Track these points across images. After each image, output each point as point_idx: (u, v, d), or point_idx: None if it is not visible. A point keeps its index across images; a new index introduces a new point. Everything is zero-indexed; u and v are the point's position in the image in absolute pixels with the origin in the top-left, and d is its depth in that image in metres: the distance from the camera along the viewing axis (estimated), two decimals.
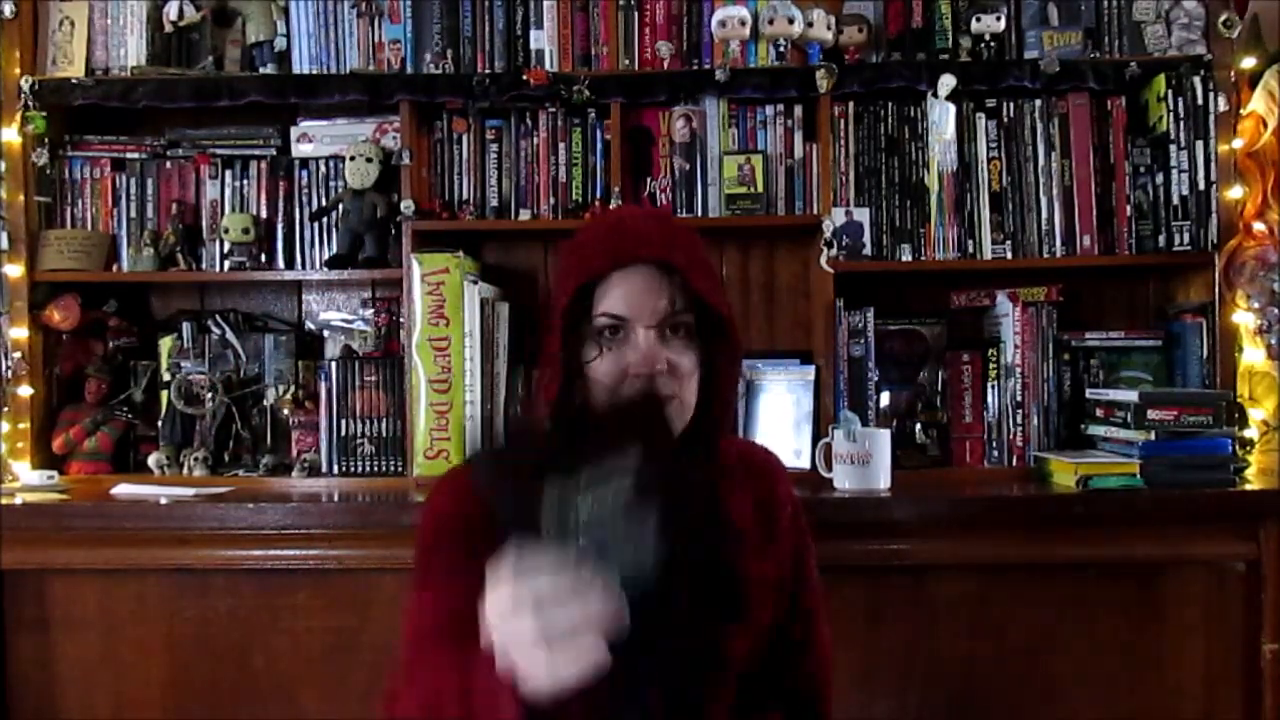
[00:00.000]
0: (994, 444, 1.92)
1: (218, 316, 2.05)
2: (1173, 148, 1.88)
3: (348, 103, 1.96)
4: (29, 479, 1.88)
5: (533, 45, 1.96)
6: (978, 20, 1.92)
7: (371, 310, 2.08)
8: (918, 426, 1.93)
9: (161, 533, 1.64)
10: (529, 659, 0.63)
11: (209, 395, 1.97)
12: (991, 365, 1.92)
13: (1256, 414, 1.87)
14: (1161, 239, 1.90)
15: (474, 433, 1.85)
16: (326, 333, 2.11)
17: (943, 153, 1.92)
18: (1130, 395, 1.69)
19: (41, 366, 1.97)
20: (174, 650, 1.64)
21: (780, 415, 1.93)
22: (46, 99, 1.94)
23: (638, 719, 0.83)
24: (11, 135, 1.95)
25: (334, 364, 1.97)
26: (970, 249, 1.93)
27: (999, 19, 1.92)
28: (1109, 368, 1.94)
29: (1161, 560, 1.61)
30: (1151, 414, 1.66)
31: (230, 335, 2.02)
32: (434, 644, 0.83)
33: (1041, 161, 1.93)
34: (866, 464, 1.70)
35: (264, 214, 2.03)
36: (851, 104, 1.94)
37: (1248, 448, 1.82)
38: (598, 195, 1.96)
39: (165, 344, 2.01)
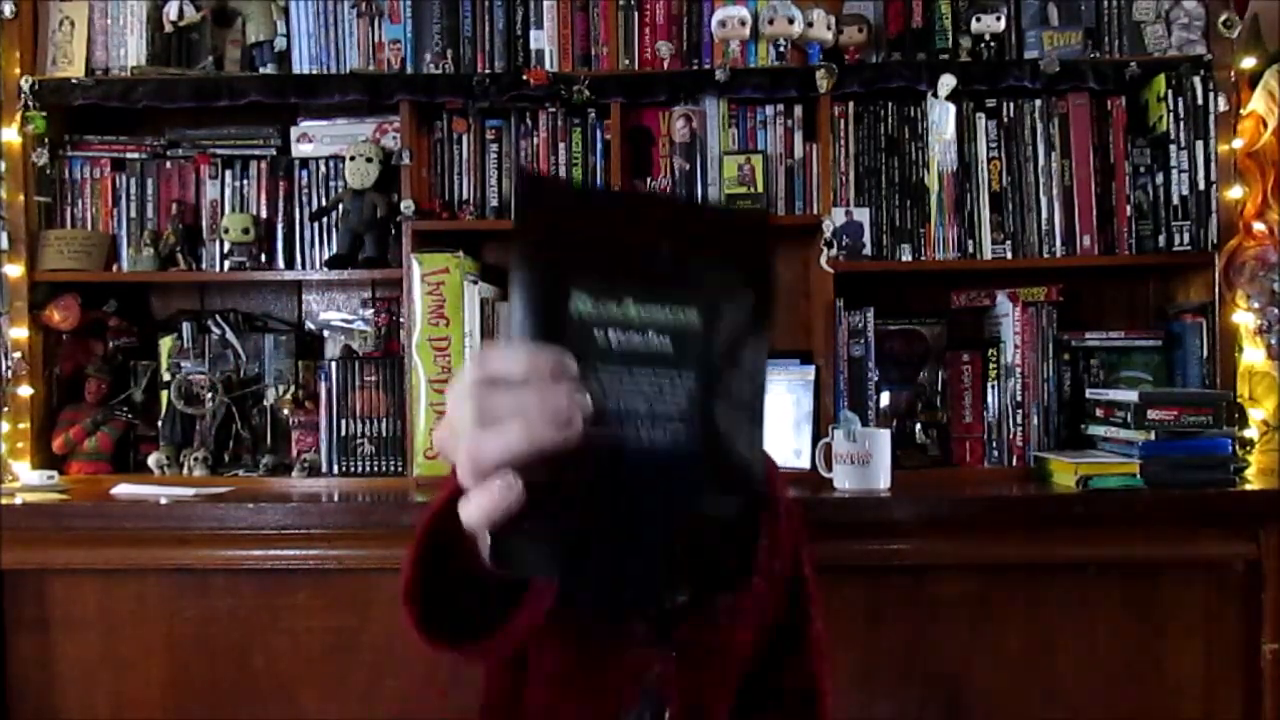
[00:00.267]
0: (994, 444, 1.92)
1: (218, 316, 2.05)
2: (1173, 148, 1.88)
3: (348, 103, 1.95)
4: (29, 479, 1.88)
5: (533, 45, 1.96)
6: (978, 20, 1.92)
7: (371, 310, 2.08)
8: (918, 426, 1.93)
9: (161, 533, 1.63)
10: (459, 445, 0.52)
11: (209, 395, 1.97)
12: (991, 365, 1.92)
13: (1256, 414, 1.86)
14: (1161, 239, 1.90)
15: None
16: (326, 333, 2.11)
17: (943, 153, 1.92)
18: (1130, 395, 1.69)
19: (41, 366, 1.97)
20: (174, 650, 1.64)
21: (780, 415, 1.93)
22: (46, 99, 1.94)
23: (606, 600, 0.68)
24: (11, 135, 1.95)
25: (334, 364, 1.97)
26: (970, 249, 1.93)
27: (999, 19, 1.92)
28: (1109, 368, 1.94)
29: (1161, 560, 1.61)
30: (1151, 414, 1.66)
31: (230, 335, 2.02)
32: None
33: (1041, 161, 1.93)
34: (866, 464, 1.70)
35: (264, 214, 2.03)
36: (851, 104, 1.94)
37: (1248, 448, 1.82)
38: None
39: (165, 344, 2.01)
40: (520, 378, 0.51)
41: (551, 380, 0.51)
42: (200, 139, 2.04)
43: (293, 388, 1.99)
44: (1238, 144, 1.88)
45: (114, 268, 2.01)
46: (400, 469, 1.92)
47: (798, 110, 1.96)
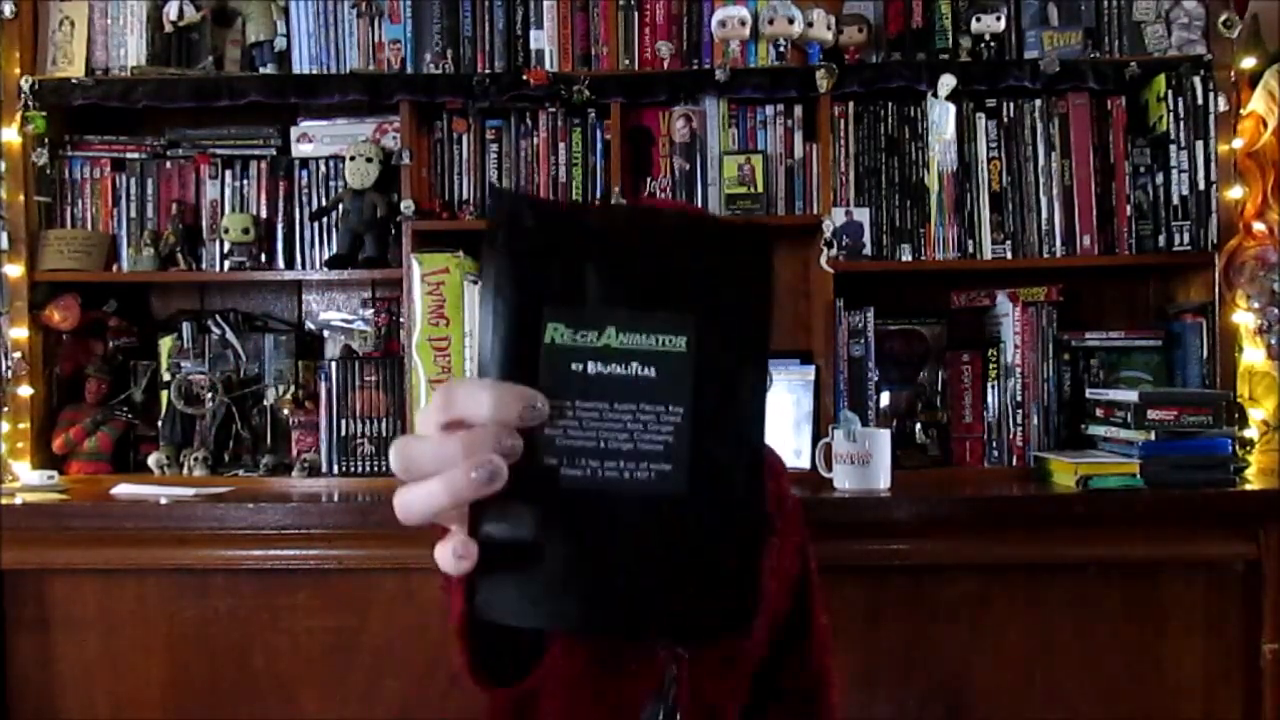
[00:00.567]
0: (994, 444, 1.92)
1: (218, 316, 2.05)
2: (1173, 148, 1.88)
3: (348, 103, 1.95)
4: (29, 479, 1.88)
5: (533, 45, 1.96)
6: (978, 20, 1.92)
7: (371, 310, 2.08)
8: (918, 426, 1.93)
9: (161, 533, 1.64)
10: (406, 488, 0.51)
11: (209, 395, 1.97)
12: (991, 365, 1.92)
13: (1256, 414, 1.86)
14: (1161, 239, 1.90)
15: None
16: (326, 333, 2.11)
17: (943, 153, 1.92)
18: (1130, 395, 1.69)
19: (41, 366, 1.97)
20: (174, 650, 1.64)
21: (780, 415, 1.93)
22: (46, 99, 1.94)
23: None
24: (11, 135, 1.95)
25: (334, 364, 1.97)
26: (970, 249, 1.93)
27: (999, 19, 1.92)
28: (1109, 368, 1.94)
29: (1161, 560, 1.61)
30: (1151, 414, 1.66)
31: (230, 335, 2.02)
32: None
33: (1041, 161, 1.93)
34: (866, 464, 1.70)
35: (264, 214, 2.03)
36: (851, 104, 1.94)
37: (1248, 448, 1.82)
38: (598, 195, 1.96)
39: (165, 344, 2.01)
40: (486, 419, 0.48)
41: (518, 421, 0.48)
42: (200, 139, 2.04)
43: (293, 388, 1.99)
44: (1238, 144, 1.88)
45: (114, 268, 2.01)
46: None
47: (798, 110, 1.96)
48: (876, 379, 1.91)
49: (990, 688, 1.61)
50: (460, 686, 0.69)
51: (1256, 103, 1.88)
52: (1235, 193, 1.87)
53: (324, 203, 2.01)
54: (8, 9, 1.94)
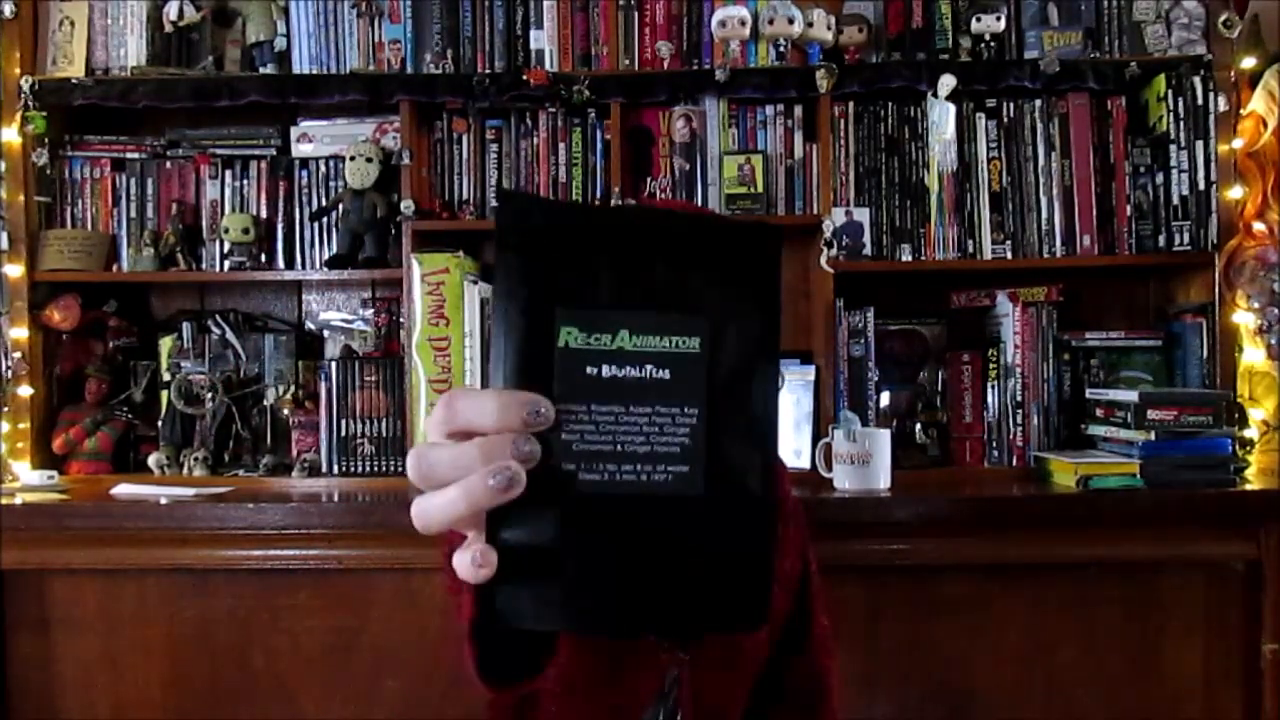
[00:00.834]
0: (994, 444, 1.92)
1: (218, 316, 2.05)
2: (1173, 148, 1.88)
3: (348, 103, 1.96)
4: (29, 479, 1.88)
5: (533, 45, 1.96)
6: (978, 20, 1.92)
7: (371, 310, 2.08)
8: (918, 426, 1.93)
9: (161, 533, 1.63)
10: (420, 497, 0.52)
11: (209, 395, 1.97)
12: (991, 365, 1.92)
13: (1256, 414, 1.86)
14: (1161, 239, 1.90)
15: None
16: (326, 333, 2.11)
17: (943, 153, 1.92)
18: (1130, 395, 1.69)
19: (41, 366, 1.97)
20: (174, 650, 1.64)
21: (781, 415, 1.93)
22: (46, 99, 1.94)
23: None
24: (11, 135, 1.95)
25: (334, 364, 1.97)
26: (970, 249, 1.93)
27: (999, 19, 1.92)
28: (1109, 368, 1.94)
29: (1161, 560, 1.61)
30: (1151, 414, 1.66)
31: (230, 335, 2.02)
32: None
33: (1041, 161, 1.93)
34: (866, 464, 1.70)
35: (264, 214, 2.03)
36: (851, 104, 1.94)
37: (1248, 448, 1.82)
38: (598, 195, 1.96)
39: (165, 344, 2.01)
40: (491, 427, 0.48)
41: (523, 427, 0.48)
42: (200, 139, 2.04)
43: (293, 388, 1.99)
44: (1238, 144, 1.88)
45: (114, 268, 2.01)
46: (400, 469, 1.91)
47: (798, 110, 1.96)
48: (876, 379, 1.91)
49: (990, 687, 1.61)
50: (462, 686, 0.68)
51: (1256, 103, 1.88)
52: (1235, 193, 1.87)
53: (324, 203, 2.01)
54: (8, 9, 1.94)
